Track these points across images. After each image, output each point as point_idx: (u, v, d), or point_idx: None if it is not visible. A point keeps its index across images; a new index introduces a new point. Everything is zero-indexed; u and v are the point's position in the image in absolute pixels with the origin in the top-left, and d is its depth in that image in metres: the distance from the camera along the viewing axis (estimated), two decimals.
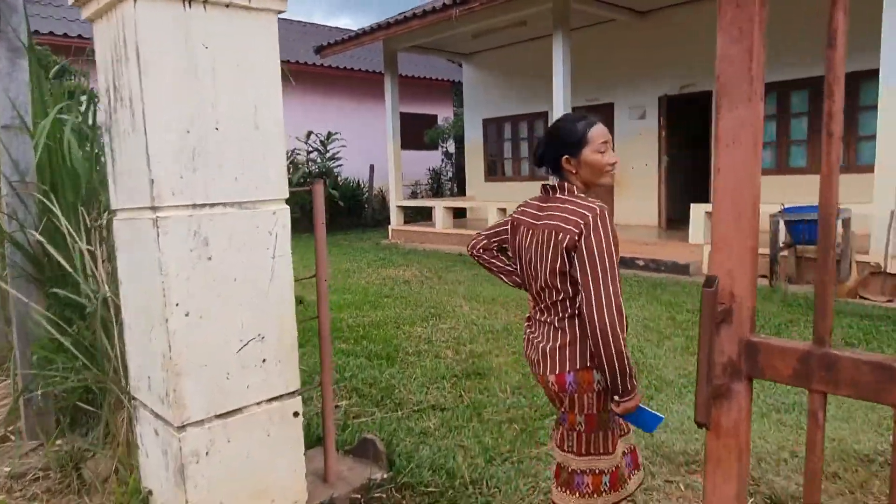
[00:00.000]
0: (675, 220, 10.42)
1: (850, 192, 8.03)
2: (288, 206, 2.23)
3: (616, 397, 1.80)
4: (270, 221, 2.07)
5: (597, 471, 1.92)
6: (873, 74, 8.13)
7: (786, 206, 6.94)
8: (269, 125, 2.02)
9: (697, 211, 8.32)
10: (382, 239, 12.84)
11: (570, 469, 1.94)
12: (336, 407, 3.64)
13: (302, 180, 12.66)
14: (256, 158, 1.98)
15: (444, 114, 19.16)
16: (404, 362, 4.60)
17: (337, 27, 21.64)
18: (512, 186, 13.15)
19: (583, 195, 1.86)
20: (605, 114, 11.29)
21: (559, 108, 9.69)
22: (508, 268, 2.13)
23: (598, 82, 11.20)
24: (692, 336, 5.10)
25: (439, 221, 11.96)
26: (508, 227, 2.06)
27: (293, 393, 2.25)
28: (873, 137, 8.47)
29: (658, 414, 1.88)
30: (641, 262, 8.30)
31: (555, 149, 1.90)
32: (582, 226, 1.75)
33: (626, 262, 8.49)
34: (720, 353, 1.23)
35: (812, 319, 1.10)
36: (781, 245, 6.86)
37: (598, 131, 1.87)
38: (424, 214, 14.37)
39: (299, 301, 6.67)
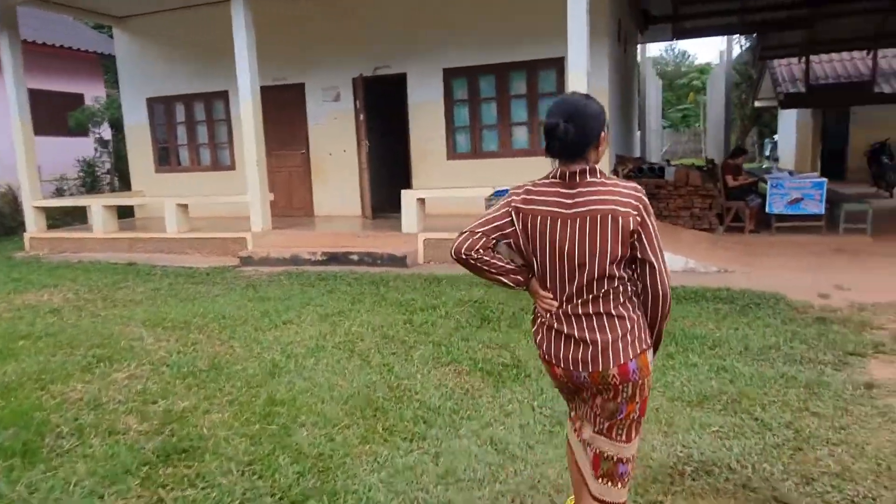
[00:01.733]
0: (379, 209, 9.91)
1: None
2: None
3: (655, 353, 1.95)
4: None
5: (632, 458, 1.96)
6: (552, 63, 8.66)
7: (496, 188, 6.85)
8: None
9: (409, 198, 7.84)
10: (16, 251, 9.77)
11: (615, 458, 1.92)
12: None
13: None
14: None
15: (93, 93, 15.71)
16: (56, 454, 2.92)
17: None
18: (191, 178, 11.17)
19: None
20: (296, 94, 10.23)
21: (245, 86, 8.35)
22: (508, 266, 1.93)
23: (286, 60, 10.02)
24: (437, 342, 4.45)
25: (99, 224, 9.52)
26: (511, 218, 1.88)
27: None
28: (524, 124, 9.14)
29: None
30: (356, 257, 7.53)
31: (595, 130, 1.79)
32: (641, 207, 1.77)
33: (340, 259, 7.64)
34: None
35: None
36: None
37: None
38: (78, 216, 11.45)
39: None
